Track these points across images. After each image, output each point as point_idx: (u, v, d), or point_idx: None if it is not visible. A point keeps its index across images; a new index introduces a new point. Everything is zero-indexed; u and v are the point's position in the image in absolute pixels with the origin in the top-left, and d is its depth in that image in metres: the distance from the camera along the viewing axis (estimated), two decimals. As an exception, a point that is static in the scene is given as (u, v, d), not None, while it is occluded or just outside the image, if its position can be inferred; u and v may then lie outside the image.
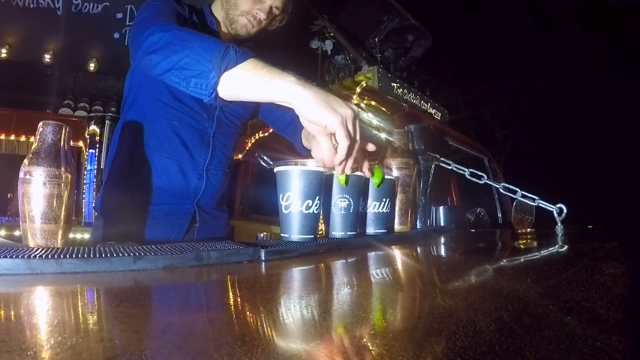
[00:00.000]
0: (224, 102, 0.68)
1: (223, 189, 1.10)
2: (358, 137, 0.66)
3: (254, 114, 1.17)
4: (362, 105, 1.47)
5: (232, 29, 1.01)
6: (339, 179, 0.74)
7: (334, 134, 0.63)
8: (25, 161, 0.53)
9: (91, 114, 3.16)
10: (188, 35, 0.70)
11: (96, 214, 1.02)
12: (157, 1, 0.88)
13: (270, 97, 0.64)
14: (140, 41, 0.73)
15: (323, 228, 0.82)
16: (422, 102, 1.77)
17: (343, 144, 0.62)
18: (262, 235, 1.97)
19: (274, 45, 1.11)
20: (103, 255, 0.46)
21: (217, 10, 1.03)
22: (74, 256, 0.44)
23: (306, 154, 1.00)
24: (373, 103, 1.51)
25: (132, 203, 0.95)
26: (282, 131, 1.13)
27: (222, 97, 0.67)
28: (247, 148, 2.76)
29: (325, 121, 0.61)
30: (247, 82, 0.64)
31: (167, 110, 0.97)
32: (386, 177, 0.84)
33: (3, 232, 2.45)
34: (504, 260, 0.79)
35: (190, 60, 0.66)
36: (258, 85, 0.64)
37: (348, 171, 0.69)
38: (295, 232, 0.69)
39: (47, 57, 2.93)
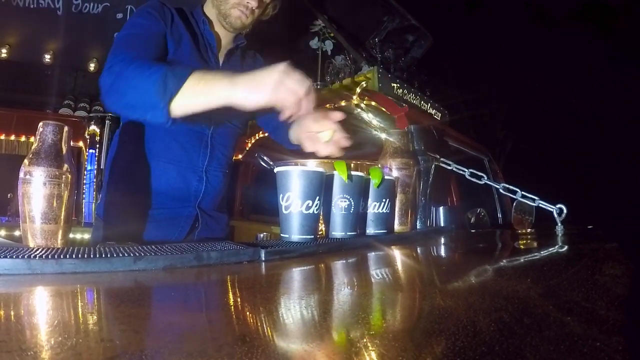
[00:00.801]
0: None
1: (224, 191, 1.10)
2: (306, 82, 0.72)
3: (253, 114, 1.17)
4: (362, 105, 1.47)
5: (227, 23, 1.00)
6: (339, 172, 0.74)
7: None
8: (26, 161, 0.53)
9: (91, 114, 3.15)
10: (131, 72, 0.76)
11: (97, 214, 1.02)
12: (139, 18, 0.91)
13: (216, 104, 0.73)
14: (104, 71, 0.80)
15: (323, 228, 0.82)
16: (422, 102, 1.77)
17: (296, 93, 0.70)
18: (262, 235, 1.97)
19: (273, 46, 1.11)
20: (103, 256, 0.46)
21: (209, 9, 1.03)
22: (74, 256, 0.44)
23: (294, 148, 1.04)
24: (373, 103, 1.50)
25: (134, 209, 0.95)
26: (272, 132, 1.17)
27: (179, 116, 0.75)
28: (247, 148, 2.75)
29: (265, 102, 0.70)
30: (192, 101, 0.74)
31: None
32: (386, 177, 0.84)
33: (3, 232, 2.44)
34: (504, 261, 0.79)
35: (138, 98, 0.75)
36: (201, 100, 0.74)
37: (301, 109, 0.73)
38: (295, 233, 0.69)
39: (47, 57, 2.92)
